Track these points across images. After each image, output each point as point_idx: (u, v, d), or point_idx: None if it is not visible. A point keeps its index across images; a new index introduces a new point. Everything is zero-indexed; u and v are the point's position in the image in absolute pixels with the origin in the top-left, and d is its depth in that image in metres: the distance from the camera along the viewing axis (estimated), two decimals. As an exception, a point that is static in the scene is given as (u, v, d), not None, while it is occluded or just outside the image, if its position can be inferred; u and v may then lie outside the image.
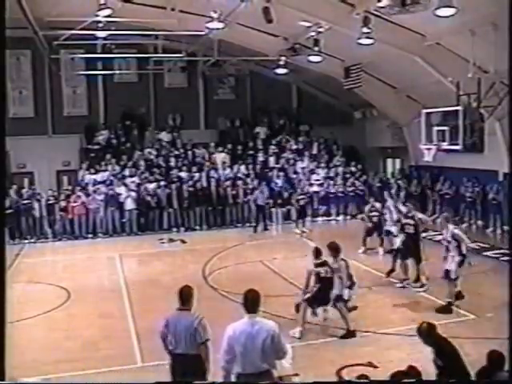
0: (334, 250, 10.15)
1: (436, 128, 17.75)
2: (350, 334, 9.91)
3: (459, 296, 11.54)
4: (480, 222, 20.57)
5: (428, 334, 6.42)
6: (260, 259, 16.30)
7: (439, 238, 13.56)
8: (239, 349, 5.57)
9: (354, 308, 10.48)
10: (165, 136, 25.30)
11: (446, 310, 11.20)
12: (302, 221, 21.13)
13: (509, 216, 15.38)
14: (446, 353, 6.20)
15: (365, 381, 5.38)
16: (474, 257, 16.09)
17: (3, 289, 3.55)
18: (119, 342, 9.83)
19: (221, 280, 14.12)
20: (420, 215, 13.74)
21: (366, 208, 17.02)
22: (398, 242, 13.61)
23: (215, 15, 16.61)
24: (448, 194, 21.78)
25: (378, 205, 16.70)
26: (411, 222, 13.20)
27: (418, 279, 13.06)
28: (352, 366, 8.32)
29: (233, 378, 5.68)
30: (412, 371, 5.38)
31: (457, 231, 11.69)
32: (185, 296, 6.60)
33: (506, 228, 19.41)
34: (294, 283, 12.79)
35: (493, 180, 20.23)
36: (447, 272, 11.48)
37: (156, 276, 14.87)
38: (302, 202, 21.38)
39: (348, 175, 24.31)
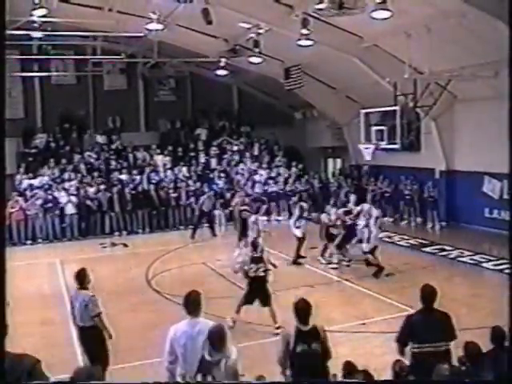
0: None
1: (374, 128, 18.10)
2: None
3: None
4: (419, 219, 21.11)
5: None
6: (203, 261, 16.25)
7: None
8: (180, 350, 5.55)
9: None
10: (104, 139, 24.90)
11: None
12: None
13: (509, 219, 15.82)
14: None
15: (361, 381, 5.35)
16: (414, 252, 16.69)
17: (3, 289, 3.48)
18: (61, 350, 9.61)
19: (164, 283, 14.01)
20: None
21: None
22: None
23: (154, 16, 16.48)
24: (387, 192, 22.24)
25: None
26: None
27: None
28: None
29: (178, 379, 5.66)
30: (348, 367, 5.46)
31: None
32: (81, 277, 7.80)
33: (443, 224, 20.02)
34: (238, 284, 12.83)
35: (429, 178, 20.80)
36: None
37: (98, 281, 14.46)
38: None
39: (289, 175, 24.51)
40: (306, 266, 15.27)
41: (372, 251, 14.05)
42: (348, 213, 15.50)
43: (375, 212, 14.78)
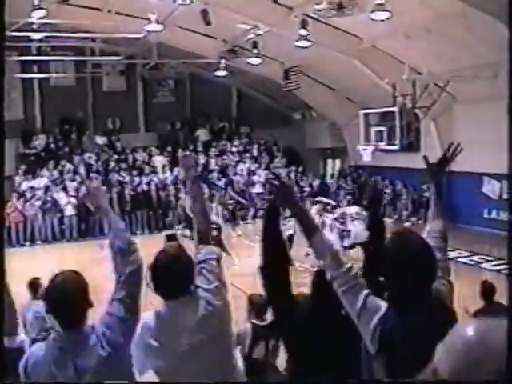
0: None
1: (374, 128, 18.12)
2: None
3: None
4: (417, 220, 21.08)
5: None
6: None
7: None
8: None
9: None
10: (104, 140, 24.89)
11: None
12: (235, 223, 21.06)
13: (508, 220, 15.79)
14: None
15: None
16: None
17: (2, 290, 3.47)
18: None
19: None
20: None
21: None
22: None
23: (153, 17, 16.48)
24: (386, 193, 22.22)
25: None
26: None
27: None
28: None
29: None
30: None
31: None
32: (35, 287, 7.46)
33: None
34: (236, 285, 12.81)
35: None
36: None
37: (96, 282, 14.43)
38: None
39: (289, 176, 24.48)
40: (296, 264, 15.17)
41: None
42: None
43: (352, 209, 14.87)
